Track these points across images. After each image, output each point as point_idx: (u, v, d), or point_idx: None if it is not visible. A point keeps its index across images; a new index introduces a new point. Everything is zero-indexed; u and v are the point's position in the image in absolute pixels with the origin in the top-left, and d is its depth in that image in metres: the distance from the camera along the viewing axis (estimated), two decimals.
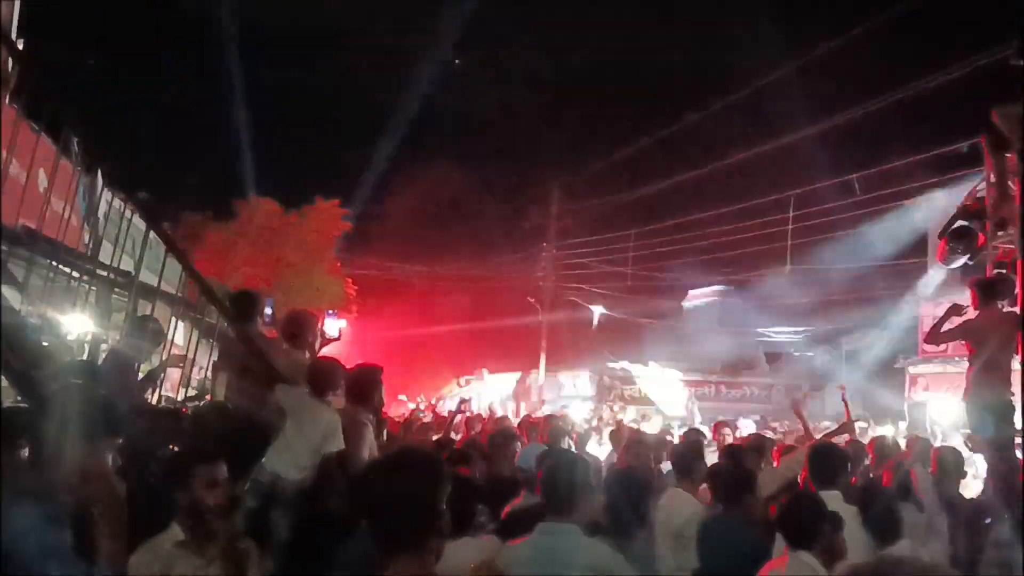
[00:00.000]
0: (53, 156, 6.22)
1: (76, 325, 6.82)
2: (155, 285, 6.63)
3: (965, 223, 7.50)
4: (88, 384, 3.71)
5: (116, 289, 7.53)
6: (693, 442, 6.40)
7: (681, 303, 36.20)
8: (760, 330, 32.05)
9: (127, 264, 6.82)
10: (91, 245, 8.81)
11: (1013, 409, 6.31)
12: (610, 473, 5.83)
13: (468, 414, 12.05)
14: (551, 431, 8.65)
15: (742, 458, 6.28)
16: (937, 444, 7.99)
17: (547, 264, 32.69)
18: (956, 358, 16.47)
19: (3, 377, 4.35)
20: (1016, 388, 6.37)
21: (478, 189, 35.25)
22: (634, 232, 29.12)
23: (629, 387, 32.75)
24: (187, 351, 6.58)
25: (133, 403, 5.28)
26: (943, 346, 7.31)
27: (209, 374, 6.86)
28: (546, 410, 20.40)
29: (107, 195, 6.99)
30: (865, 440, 9.48)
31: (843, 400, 9.18)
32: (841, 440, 8.22)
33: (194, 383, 7.07)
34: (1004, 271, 7.14)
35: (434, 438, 9.49)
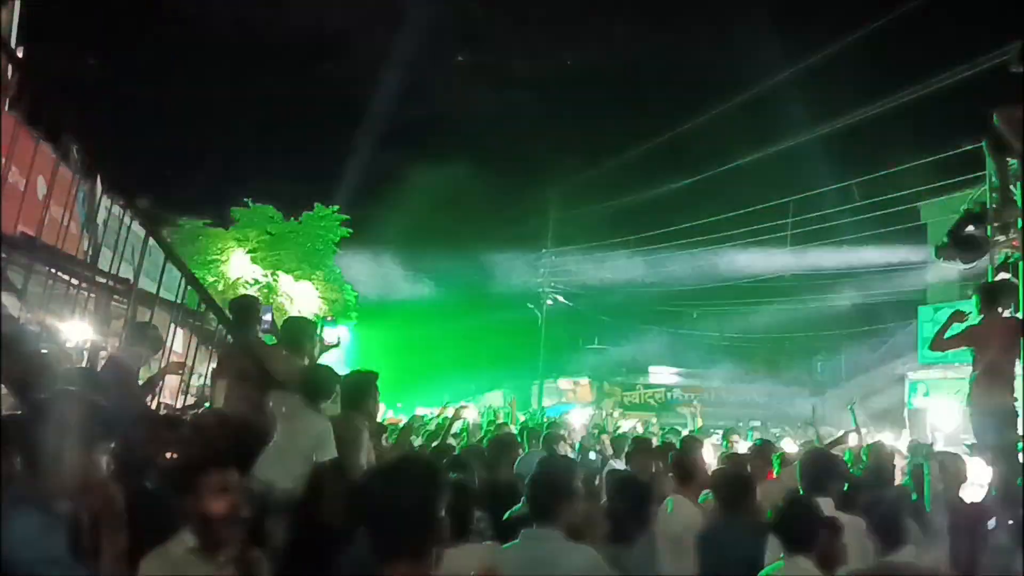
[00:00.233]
0: (52, 163, 6.22)
1: (75, 332, 6.81)
2: (154, 292, 6.62)
3: (967, 228, 7.48)
4: (82, 390, 3.70)
5: (115, 296, 7.51)
6: (692, 449, 6.39)
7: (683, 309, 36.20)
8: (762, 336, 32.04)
9: (126, 271, 6.82)
10: (90, 252, 8.80)
11: (1016, 415, 6.29)
12: (611, 479, 5.81)
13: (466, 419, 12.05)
14: (547, 438, 8.65)
15: (745, 465, 6.28)
16: (938, 449, 7.96)
17: (546, 269, 32.72)
18: (956, 364, 16.49)
19: (2, 384, 4.34)
20: (1019, 394, 6.36)
21: (477, 194, 35.24)
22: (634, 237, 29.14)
23: (629, 394, 32.82)
24: (186, 358, 6.57)
25: (134, 409, 5.26)
26: (943, 352, 7.27)
27: (208, 381, 6.84)
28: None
29: (106, 202, 6.99)
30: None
31: (851, 410, 9.33)
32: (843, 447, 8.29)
33: (193, 390, 7.06)
34: (1007, 276, 7.12)
35: (432, 444, 9.49)
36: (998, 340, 6.45)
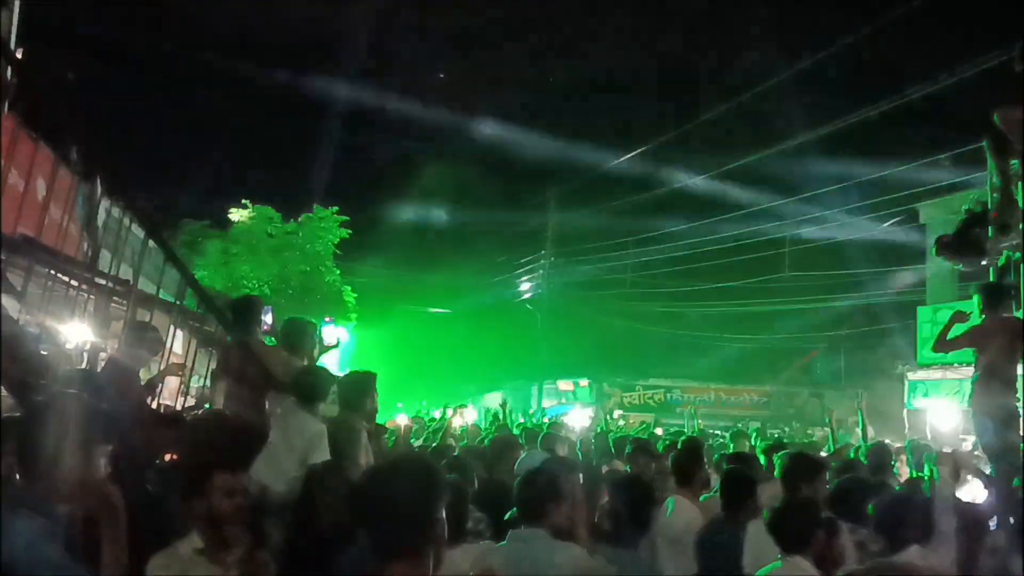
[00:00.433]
0: (52, 164, 6.22)
1: (75, 334, 6.81)
2: (154, 293, 6.62)
3: (968, 228, 7.47)
4: (81, 392, 3.70)
5: (115, 298, 7.51)
6: (693, 450, 6.38)
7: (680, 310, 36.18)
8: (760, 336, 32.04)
9: (126, 273, 6.81)
10: (90, 253, 8.80)
11: (1017, 416, 6.28)
12: (611, 481, 5.81)
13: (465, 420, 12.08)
14: (546, 439, 8.65)
15: (748, 466, 6.28)
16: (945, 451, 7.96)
17: (546, 271, 32.72)
18: (955, 365, 16.50)
19: (1, 386, 4.34)
20: (1021, 395, 6.36)
21: (476, 196, 35.24)
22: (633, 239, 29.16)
23: (629, 394, 32.82)
24: (186, 359, 6.57)
25: (133, 411, 5.26)
26: (945, 353, 7.27)
27: (208, 382, 6.85)
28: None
29: (105, 203, 6.98)
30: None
31: (859, 411, 9.44)
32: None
33: (193, 391, 7.06)
34: (1008, 277, 7.11)
35: (432, 445, 9.49)
36: (999, 341, 6.45)
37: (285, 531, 4.71)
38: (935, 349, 7.14)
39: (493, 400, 28.66)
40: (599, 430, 13.00)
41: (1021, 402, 6.36)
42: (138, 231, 6.41)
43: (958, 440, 12.88)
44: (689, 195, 26.68)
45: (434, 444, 8.95)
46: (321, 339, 7.17)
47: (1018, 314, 6.68)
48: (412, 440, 9.79)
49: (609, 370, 33.81)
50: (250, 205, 25.18)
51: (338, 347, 7.08)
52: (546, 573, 3.65)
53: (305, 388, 5.38)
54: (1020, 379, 6.43)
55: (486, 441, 8.93)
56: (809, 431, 21.39)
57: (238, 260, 24.75)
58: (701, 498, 5.67)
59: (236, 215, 25.14)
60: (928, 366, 19.12)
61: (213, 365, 6.71)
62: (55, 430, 2.86)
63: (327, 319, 22.83)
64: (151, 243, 5.95)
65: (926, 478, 6.39)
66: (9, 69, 6.08)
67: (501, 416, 13.95)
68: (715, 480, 6.17)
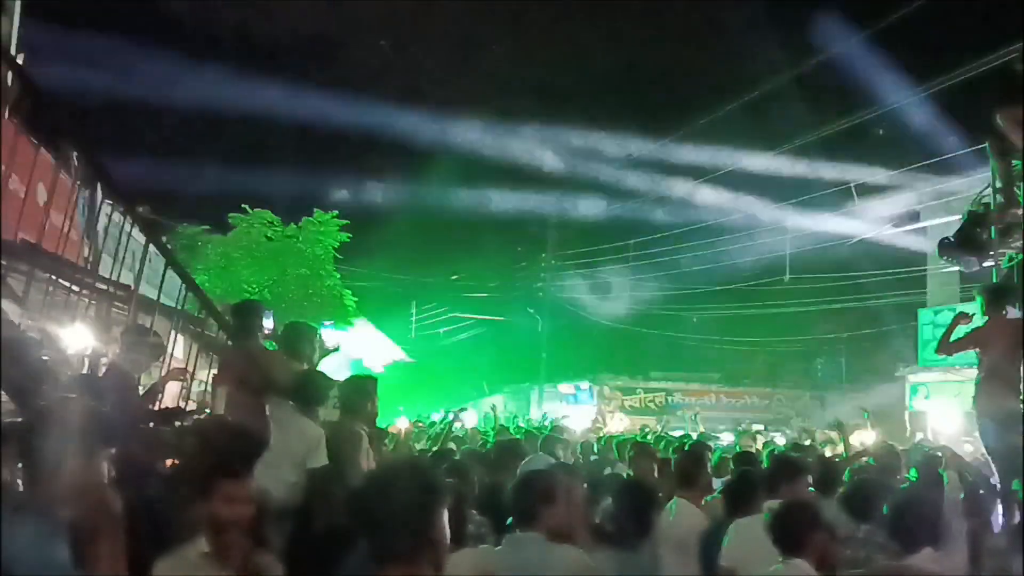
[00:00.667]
0: (52, 170, 6.23)
1: (76, 339, 6.81)
2: (155, 298, 6.62)
3: (970, 229, 7.47)
4: (82, 397, 3.71)
5: (116, 303, 7.51)
6: (696, 453, 6.38)
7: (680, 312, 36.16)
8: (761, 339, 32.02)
9: (127, 278, 6.82)
10: (91, 259, 8.80)
11: (1018, 417, 6.27)
12: (614, 484, 5.81)
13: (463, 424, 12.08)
14: (546, 442, 8.67)
15: (753, 467, 6.28)
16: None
17: (546, 274, 32.73)
18: (957, 367, 16.48)
19: (2, 391, 4.34)
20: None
21: (477, 198, 35.21)
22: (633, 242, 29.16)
23: (630, 397, 32.80)
24: (187, 364, 6.57)
25: (134, 416, 5.26)
26: (949, 355, 7.26)
27: (209, 387, 6.84)
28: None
29: (106, 208, 6.99)
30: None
31: (865, 416, 9.54)
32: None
33: (194, 396, 7.05)
34: (1011, 278, 7.11)
35: (433, 449, 9.49)
36: (1002, 342, 6.45)
37: (285, 536, 4.71)
38: (938, 351, 7.13)
39: (493, 404, 28.69)
40: (600, 436, 13.01)
41: None
42: (139, 236, 6.43)
43: (960, 442, 12.89)
44: (690, 196, 26.68)
45: (435, 448, 8.96)
46: (322, 343, 7.16)
47: (1020, 315, 6.68)
48: (414, 443, 9.80)
49: (610, 373, 33.78)
50: (249, 209, 25.16)
51: (339, 351, 7.07)
52: (543, 575, 3.66)
53: (304, 392, 5.38)
54: (1023, 380, 6.43)
55: (487, 444, 8.94)
56: (806, 433, 21.30)
57: (238, 264, 24.72)
58: (704, 500, 5.67)
59: (236, 219, 25.12)
60: (929, 368, 19.10)
61: (214, 370, 6.71)
62: (58, 435, 2.87)
63: (327, 323, 22.81)
64: (151, 248, 5.97)
65: (945, 483, 6.38)
66: (10, 75, 6.10)
67: (493, 421, 13.98)
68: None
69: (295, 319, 8.04)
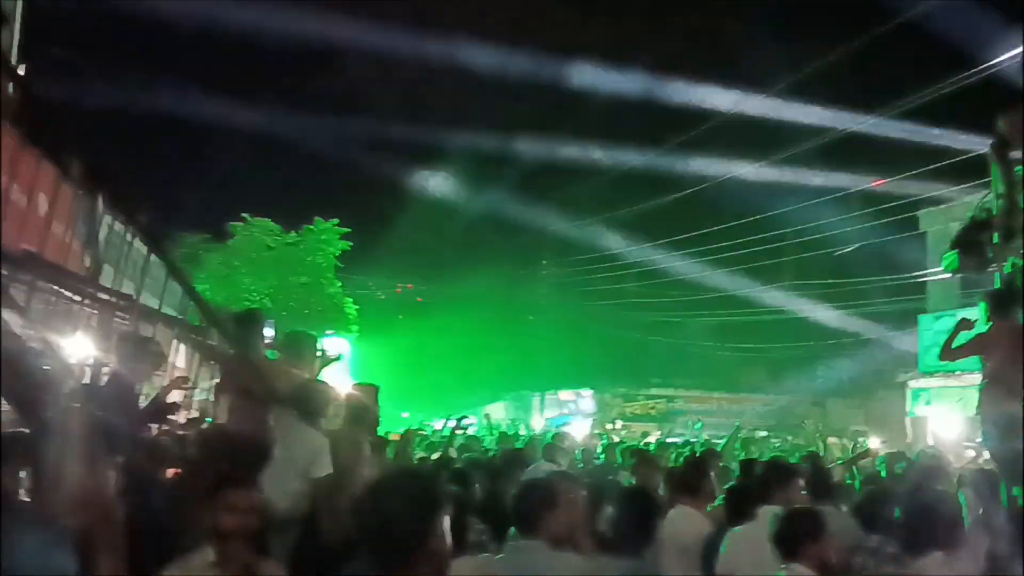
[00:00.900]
0: (54, 180, 6.24)
1: (78, 349, 6.81)
2: (156, 308, 6.62)
3: (973, 234, 7.45)
4: (87, 406, 3.71)
5: (118, 313, 7.52)
6: (700, 460, 6.38)
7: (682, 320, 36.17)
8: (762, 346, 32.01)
9: (128, 288, 6.82)
10: (92, 269, 8.81)
11: (1019, 423, 6.25)
12: (616, 491, 5.81)
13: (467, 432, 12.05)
14: (547, 450, 8.68)
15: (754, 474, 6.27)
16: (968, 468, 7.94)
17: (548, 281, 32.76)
18: (958, 373, 16.47)
19: (4, 402, 4.34)
20: None
21: (478, 207, 35.27)
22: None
23: (631, 404, 32.79)
24: (189, 373, 6.57)
25: (136, 426, 5.26)
26: (953, 361, 7.23)
27: (211, 396, 6.84)
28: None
29: (107, 219, 7.01)
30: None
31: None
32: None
33: (196, 405, 7.05)
34: (1015, 283, 7.09)
35: (433, 457, 9.48)
36: (1006, 347, 6.43)
37: (289, 545, 4.71)
38: (941, 357, 7.10)
39: (495, 411, 28.68)
40: (604, 442, 12.98)
41: None
42: (140, 246, 6.44)
43: (961, 448, 12.89)
44: (693, 203, 26.73)
45: (436, 456, 8.96)
46: (323, 352, 7.16)
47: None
48: (416, 451, 9.78)
49: (611, 380, 33.78)
50: (249, 218, 25.21)
51: (340, 360, 7.07)
52: None
53: (307, 402, 5.38)
54: None
55: (490, 452, 8.94)
56: (820, 439, 21.27)
57: (238, 273, 24.77)
58: (708, 508, 5.66)
59: (236, 229, 25.16)
60: (930, 374, 19.09)
61: (216, 379, 6.71)
62: (64, 445, 2.87)
63: (328, 331, 22.85)
64: (153, 258, 5.97)
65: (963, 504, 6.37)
66: (11, 85, 6.12)
67: (491, 430, 13.99)
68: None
69: (296, 328, 8.05)
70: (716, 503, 5.63)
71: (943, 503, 4.80)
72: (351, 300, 27.20)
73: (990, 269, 7.41)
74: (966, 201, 15.57)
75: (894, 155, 21.32)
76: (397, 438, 8.03)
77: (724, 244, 25.99)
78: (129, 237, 6.17)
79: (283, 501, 4.88)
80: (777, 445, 16.12)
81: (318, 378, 6.26)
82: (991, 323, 6.64)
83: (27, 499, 2.98)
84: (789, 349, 31.17)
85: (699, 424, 20.32)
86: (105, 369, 6.79)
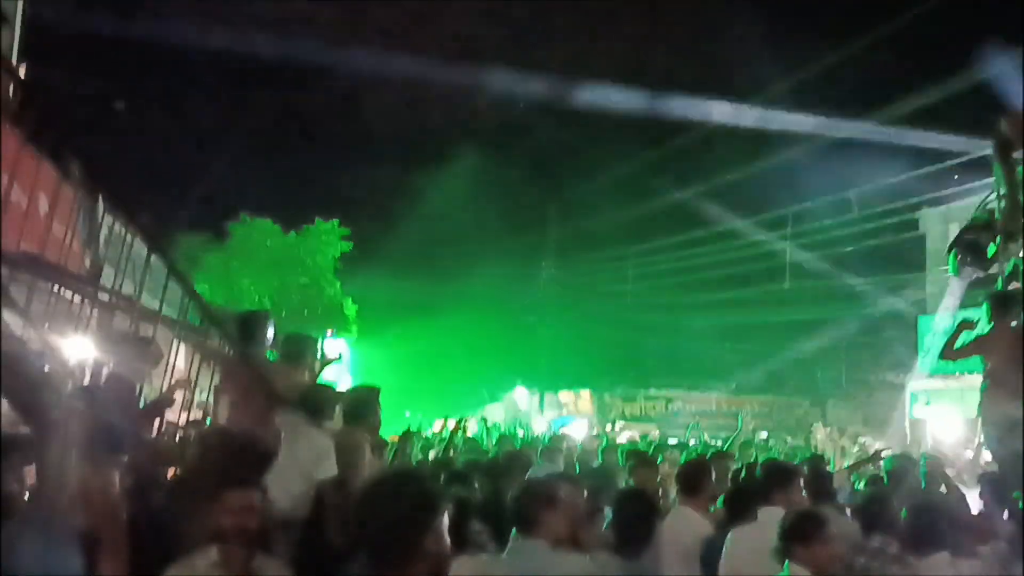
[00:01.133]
0: (54, 180, 6.24)
1: (78, 349, 6.80)
2: (156, 309, 6.61)
3: (975, 235, 7.45)
4: (89, 407, 3.72)
5: (118, 313, 7.51)
6: (701, 462, 6.38)
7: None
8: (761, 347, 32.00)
9: (128, 289, 6.81)
10: (92, 269, 8.81)
11: (1019, 424, 6.25)
12: (614, 493, 5.81)
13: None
14: (545, 451, 8.69)
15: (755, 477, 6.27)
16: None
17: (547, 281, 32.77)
18: (957, 374, 16.45)
19: (4, 402, 4.34)
20: None
21: (478, 206, 35.26)
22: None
23: (630, 405, 32.79)
24: (189, 374, 6.56)
25: (137, 427, 5.26)
26: (954, 362, 7.23)
27: (211, 397, 6.84)
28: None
29: (108, 219, 7.00)
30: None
31: None
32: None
33: (196, 406, 7.03)
34: (1016, 285, 7.09)
35: (431, 456, 9.49)
36: (1007, 349, 6.44)
37: (292, 546, 4.71)
38: (942, 357, 7.11)
39: (493, 412, 28.67)
40: (604, 444, 12.98)
41: None
42: (140, 246, 6.43)
43: (961, 449, 12.89)
44: (690, 203, 26.74)
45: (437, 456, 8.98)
46: (324, 353, 7.17)
47: None
48: (416, 452, 9.78)
49: (610, 380, 33.78)
50: (248, 219, 25.21)
51: (340, 361, 7.06)
52: None
53: (313, 403, 5.39)
54: None
55: (490, 453, 8.94)
56: (831, 441, 21.27)
57: (238, 273, 24.77)
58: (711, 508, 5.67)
59: (236, 229, 25.16)
60: (929, 375, 19.08)
61: (216, 380, 6.71)
62: (66, 445, 2.88)
63: (329, 332, 22.87)
64: (153, 258, 5.96)
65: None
66: (11, 85, 6.11)
67: (488, 430, 14.00)
68: None
69: (296, 328, 8.05)
70: (717, 504, 5.65)
71: (948, 504, 4.82)
72: (351, 301, 27.20)
73: (992, 270, 7.42)
74: (966, 202, 15.62)
75: (892, 155, 21.33)
76: (395, 439, 8.02)
77: (723, 244, 26.04)
78: (130, 238, 6.15)
79: (288, 502, 4.89)
80: (780, 449, 16.05)
81: (319, 379, 6.27)
82: (992, 324, 6.64)
83: (29, 499, 2.98)
84: (789, 350, 31.20)
85: (695, 424, 20.33)
86: (105, 369, 6.79)
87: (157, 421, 6.19)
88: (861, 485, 7.66)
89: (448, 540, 2.54)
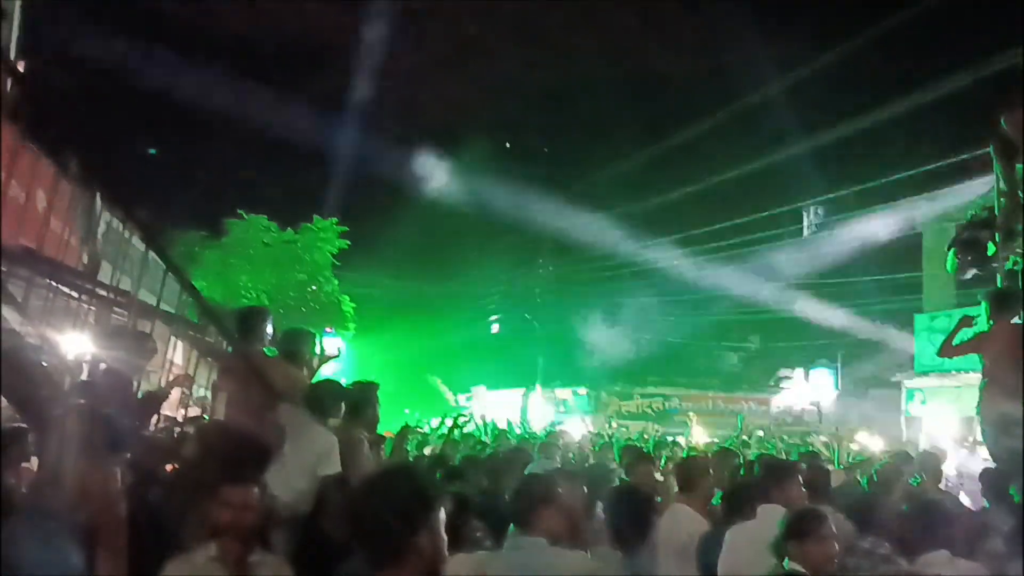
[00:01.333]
0: (52, 176, 6.24)
1: (76, 345, 6.81)
2: (154, 305, 6.61)
3: (975, 234, 7.45)
4: (90, 403, 3.73)
5: (115, 309, 7.52)
6: (696, 458, 6.40)
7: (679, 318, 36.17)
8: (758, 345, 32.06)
9: (126, 285, 6.81)
10: (90, 265, 8.81)
11: (1017, 422, 6.26)
12: (612, 489, 5.82)
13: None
14: (542, 447, 8.70)
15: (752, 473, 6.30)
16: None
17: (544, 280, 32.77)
18: (953, 372, 16.49)
19: (3, 398, 4.35)
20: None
21: (472, 203, 35.26)
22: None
23: (627, 403, 32.81)
24: (187, 370, 6.57)
25: (136, 422, 5.26)
26: (951, 358, 7.22)
27: (209, 393, 6.85)
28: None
29: (105, 215, 7.01)
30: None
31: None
32: None
33: (194, 402, 7.05)
34: (1015, 283, 7.10)
35: (427, 451, 9.50)
36: (1005, 347, 6.44)
37: (293, 542, 4.73)
38: (940, 353, 7.10)
39: (491, 408, 28.67)
40: (601, 441, 13.00)
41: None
42: (138, 243, 6.43)
43: (956, 447, 12.91)
44: (686, 202, 26.77)
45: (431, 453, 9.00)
46: (323, 349, 7.17)
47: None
48: (412, 449, 9.79)
49: (607, 378, 33.81)
50: (245, 215, 25.17)
51: (339, 357, 7.07)
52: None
53: (320, 400, 5.40)
54: None
55: (487, 450, 8.96)
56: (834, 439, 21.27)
57: (236, 270, 24.74)
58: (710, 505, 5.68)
59: (233, 226, 25.12)
60: (925, 373, 19.12)
61: (214, 376, 6.71)
62: (64, 440, 2.88)
63: (328, 329, 22.85)
64: (151, 254, 5.96)
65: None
66: (9, 81, 6.11)
67: (487, 429, 14.02)
68: None
69: (295, 325, 8.04)
70: (715, 501, 5.66)
71: (947, 502, 4.83)
72: (348, 298, 27.17)
73: (992, 266, 7.42)
74: (964, 200, 15.63)
75: (889, 153, 21.39)
76: (389, 435, 8.03)
77: (720, 243, 26.06)
78: (127, 234, 6.16)
79: (292, 498, 4.90)
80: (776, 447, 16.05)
81: (319, 376, 6.28)
82: (992, 322, 6.64)
83: (27, 493, 2.99)
84: (785, 348, 31.24)
85: (683, 419, 20.35)
86: (102, 365, 6.79)
87: (155, 417, 6.20)
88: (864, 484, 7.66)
89: (445, 537, 2.54)
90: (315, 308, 25.28)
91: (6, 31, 8.12)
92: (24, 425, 4.54)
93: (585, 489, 5.03)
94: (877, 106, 19.24)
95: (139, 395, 6.10)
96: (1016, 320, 6.63)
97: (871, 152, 24.71)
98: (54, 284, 6.47)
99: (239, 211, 25.10)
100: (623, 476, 6.62)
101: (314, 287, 25.54)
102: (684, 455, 8.67)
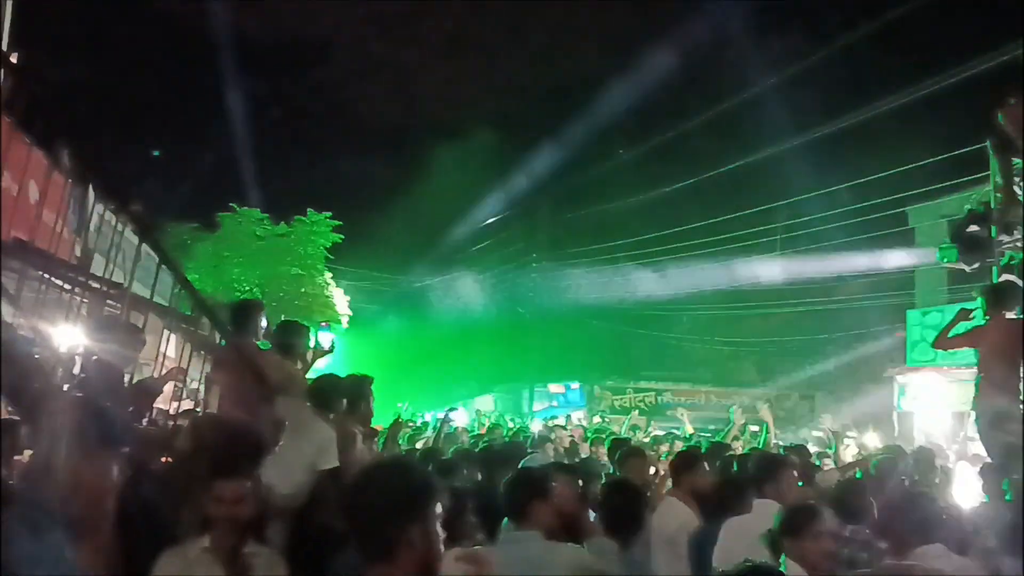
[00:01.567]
0: (45, 168, 6.21)
1: (68, 337, 6.78)
2: (147, 297, 6.59)
3: (973, 228, 7.47)
4: (85, 395, 3.71)
5: (108, 301, 7.49)
6: (691, 452, 6.42)
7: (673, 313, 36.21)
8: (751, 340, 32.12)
9: (119, 277, 6.79)
10: (82, 257, 8.77)
11: (1007, 416, 6.29)
12: (605, 483, 5.84)
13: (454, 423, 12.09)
14: (535, 442, 8.73)
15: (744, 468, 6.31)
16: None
17: (537, 273, 32.78)
18: (945, 367, 16.55)
19: None
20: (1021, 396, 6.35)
21: (467, 197, 35.24)
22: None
23: (619, 397, 32.86)
24: (180, 363, 6.54)
25: (128, 414, 5.25)
26: (940, 349, 7.25)
27: (202, 386, 6.82)
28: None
29: (98, 207, 6.97)
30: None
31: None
32: None
33: (187, 395, 7.03)
34: (1011, 277, 7.12)
35: (418, 446, 9.50)
36: (1001, 342, 6.46)
37: (288, 534, 4.73)
38: (936, 344, 7.11)
39: (484, 403, 28.71)
40: (592, 434, 13.02)
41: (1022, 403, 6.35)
42: (131, 235, 6.40)
43: (949, 441, 12.96)
44: (680, 196, 26.78)
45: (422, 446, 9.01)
46: (318, 343, 7.17)
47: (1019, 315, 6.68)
48: (403, 443, 9.80)
49: (600, 373, 33.84)
50: (237, 208, 25.12)
51: (333, 351, 7.07)
52: (543, 573, 3.67)
53: (322, 394, 5.40)
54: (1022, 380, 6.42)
55: (480, 444, 8.96)
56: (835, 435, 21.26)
57: (228, 263, 24.69)
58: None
59: (225, 219, 25.06)
60: (918, 369, 19.18)
61: (207, 369, 6.69)
62: (57, 432, 2.87)
63: (323, 323, 22.81)
64: (144, 247, 5.94)
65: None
66: (2, 72, 6.07)
67: (479, 423, 14.08)
68: None
69: (288, 318, 8.03)
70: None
71: (942, 496, 4.85)
72: (342, 292, 27.15)
73: (988, 261, 7.44)
74: (956, 197, 15.67)
75: (885, 151, 21.41)
76: (380, 428, 8.03)
77: (713, 238, 26.10)
78: (120, 226, 6.12)
79: (290, 490, 4.90)
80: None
81: (314, 369, 6.28)
82: (988, 317, 6.66)
83: (19, 485, 2.97)
84: (778, 343, 31.29)
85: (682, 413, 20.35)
86: (94, 358, 6.76)
87: (148, 410, 6.18)
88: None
89: (439, 531, 2.54)
90: (308, 301, 25.25)
91: None
92: (16, 417, 4.52)
93: (580, 483, 5.04)
94: (872, 102, 19.22)
95: (130, 387, 6.09)
96: (1012, 315, 6.64)
97: (865, 148, 24.71)
98: (46, 276, 6.43)
99: (231, 204, 25.05)
100: (609, 470, 6.64)
101: (306, 288, 25.50)
102: (684, 448, 8.69)
